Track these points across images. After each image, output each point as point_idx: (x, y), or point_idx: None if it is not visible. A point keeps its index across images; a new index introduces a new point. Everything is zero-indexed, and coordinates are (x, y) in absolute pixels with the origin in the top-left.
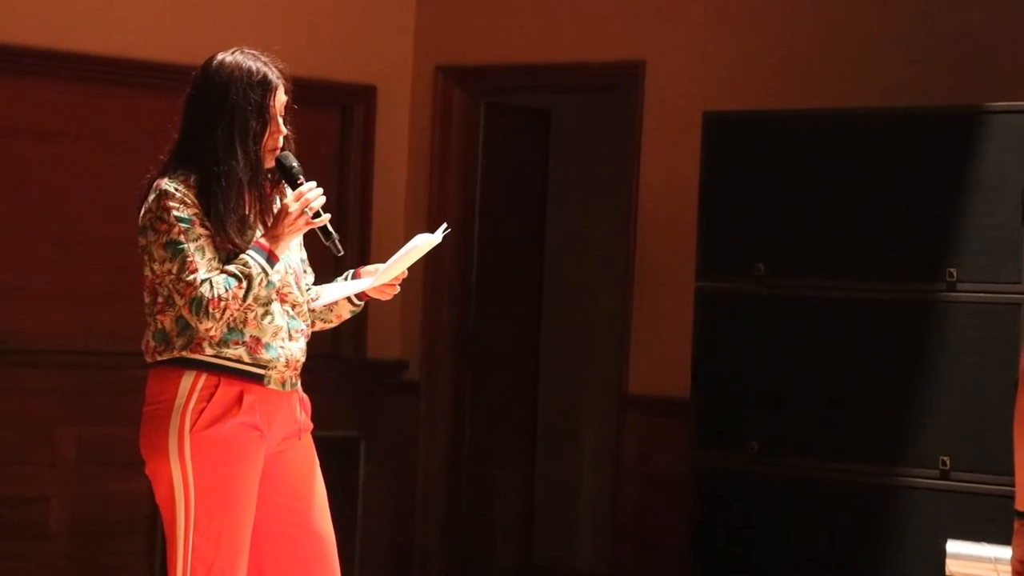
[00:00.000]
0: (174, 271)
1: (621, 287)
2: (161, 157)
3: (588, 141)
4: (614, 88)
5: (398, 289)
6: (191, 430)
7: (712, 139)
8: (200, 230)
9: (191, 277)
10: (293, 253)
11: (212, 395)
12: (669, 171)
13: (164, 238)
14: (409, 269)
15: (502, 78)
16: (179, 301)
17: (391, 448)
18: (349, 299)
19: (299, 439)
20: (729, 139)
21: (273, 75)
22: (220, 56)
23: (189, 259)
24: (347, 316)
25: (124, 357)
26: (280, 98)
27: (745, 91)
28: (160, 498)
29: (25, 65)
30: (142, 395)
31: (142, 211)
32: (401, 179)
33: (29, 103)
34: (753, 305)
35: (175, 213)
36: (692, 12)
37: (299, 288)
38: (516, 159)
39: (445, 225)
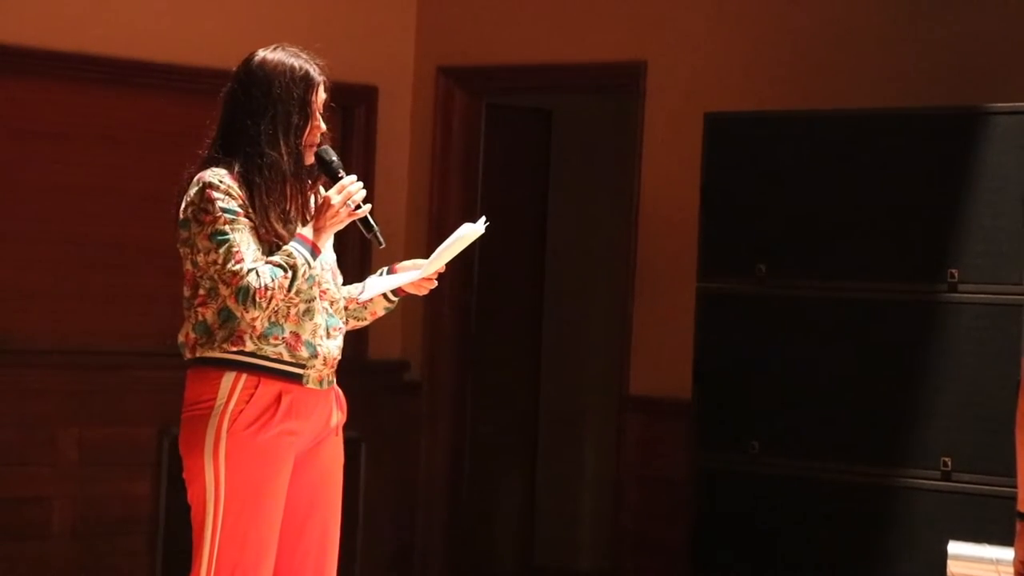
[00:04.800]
0: (219, 261)
1: (622, 288)
2: (200, 152)
3: (589, 142)
4: (615, 89)
5: (436, 284)
6: (228, 431)
7: (713, 139)
8: (245, 220)
9: (237, 266)
10: (328, 251)
11: (252, 396)
12: (670, 171)
13: (209, 229)
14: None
15: (503, 79)
16: (224, 291)
17: (392, 449)
18: (385, 296)
19: (336, 435)
20: (730, 139)
21: (315, 72)
22: (262, 53)
23: (235, 249)
24: (381, 313)
25: (126, 357)
26: (321, 95)
27: (746, 91)
28: (192, 496)
29: (28, 66)
30: (145, 396)
31: (183, 204)
32: (403, 180)
33: (32, 103)
34: (754, 305)
35: (220, 204)
36: (693, 13)
37: (335, 285)
38: (517, 160)
39: (485, 217)
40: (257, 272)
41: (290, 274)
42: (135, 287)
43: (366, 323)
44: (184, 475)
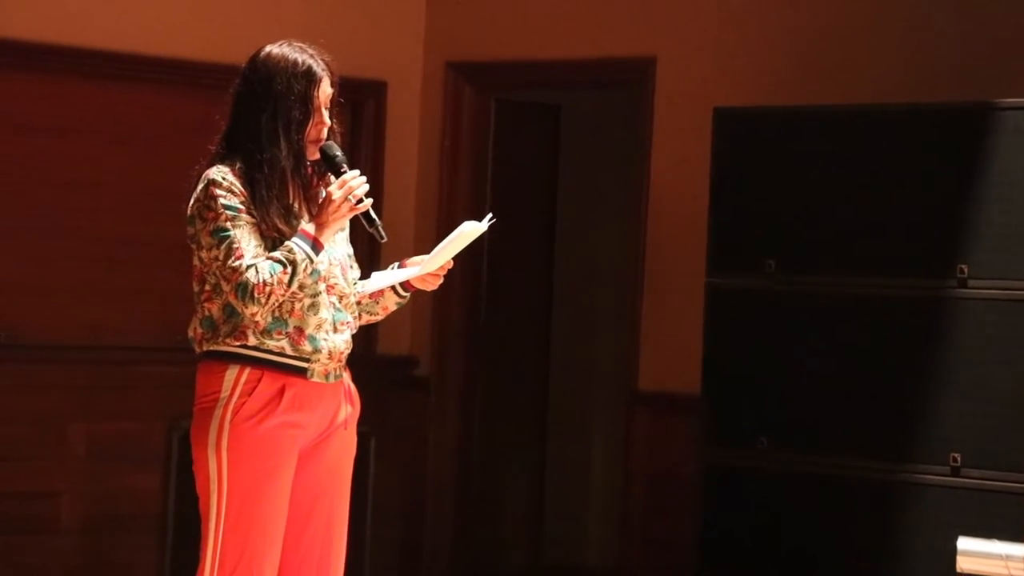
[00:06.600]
0: (220, 257)
1: (631, 283)
2: (210, 147)
3: (598, 137)
4: (624, 84)
5: (442, 280)
6: (231, 423)
7: (722, 135)
8: (246, 217)
9: (237, 263)
10: (340, 246)
11: (254, 389)
12: (679, 167)
13: (211, 225)
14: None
15: (512, 74)
16: (226, 287)
17: (401, 444)
18: (395, 291)
19: (345, 429)
20: (739, 135)
21: (318, 67)
22: (267, 48)
23: (235, 245)
24: (393, 308)
25: (134, 353)
26: (324, 90)
27: (755, 87)
28: (199, 488)
29: (39, 61)
30: (153, 391)
31: (191, 201)
32: (411, 175)
33: (44, 99)
34: (763, 301)
35: (222, 201)
36: (702, 8)
37: (345, 280)
38: (526, 155)
39: (491, 215)
40: (256, 268)
41: (290, 269)
42: (143, 282)
43: (379, 317)
44: (193, 467)
